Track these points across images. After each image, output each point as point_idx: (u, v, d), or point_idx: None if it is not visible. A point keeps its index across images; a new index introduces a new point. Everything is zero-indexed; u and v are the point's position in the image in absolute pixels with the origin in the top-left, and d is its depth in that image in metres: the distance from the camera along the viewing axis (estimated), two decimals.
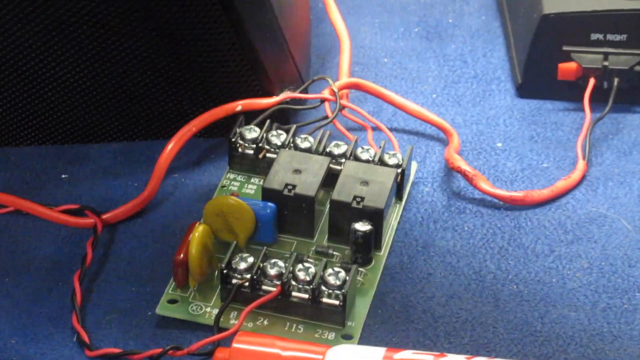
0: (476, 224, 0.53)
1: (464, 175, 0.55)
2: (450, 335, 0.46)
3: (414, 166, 0.55)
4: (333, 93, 0.56)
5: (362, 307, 0.47)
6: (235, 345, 0.44)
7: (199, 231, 0.47)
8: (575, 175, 0.55)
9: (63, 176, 0.56)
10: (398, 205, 0.53)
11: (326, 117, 0.56)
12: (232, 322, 0.46)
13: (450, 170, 0.56)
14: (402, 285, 0.49)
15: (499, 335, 0.46)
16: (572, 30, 0.59)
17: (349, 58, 0.62)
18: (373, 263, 0.49)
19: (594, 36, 0.59)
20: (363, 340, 0.46)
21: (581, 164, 0.56)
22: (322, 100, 0.56)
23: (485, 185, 0.54)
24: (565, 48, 0.60)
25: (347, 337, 0.46)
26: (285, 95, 0.56)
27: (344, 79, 0.60)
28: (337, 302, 0.45)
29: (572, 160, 0.57)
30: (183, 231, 0.48)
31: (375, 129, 0.57)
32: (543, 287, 0.49)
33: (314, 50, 0.65)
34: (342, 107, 0.57)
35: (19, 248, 0.52)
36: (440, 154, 0.57)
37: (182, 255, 0.47)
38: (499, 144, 0.59)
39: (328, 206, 0.50)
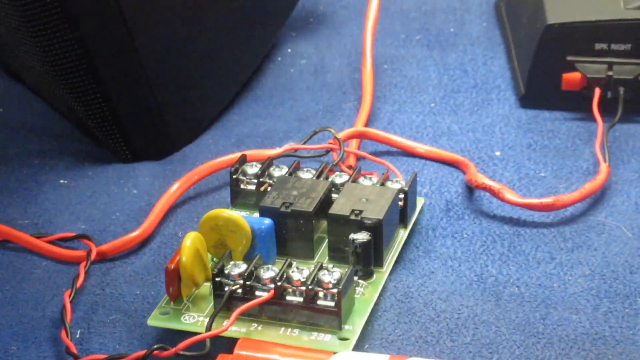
0: (475, 230, 0.53)
1: (490, 190, 0.54)
2: (453, 332, 0.46)
3: (420, 201, 0.54)
4: (338, 142, 0.55)
5: (361, 313, 0.46)
6: (237, 351, 0.43)
7: (190, 238, 0.46)
8: (601, 177, 0.55)
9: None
10: (403, 232, 0.52)
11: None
12: None
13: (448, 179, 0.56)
14: (405, 278, 0.50)
15: (502, 335, 0.46)
16: (576, 40, 0.60)
17: (368, 110, 0.62)
18: (375, 277, 0.48)
19: (598, 46, 0.60)
20: (362, 337, 0.46)
21: (604, 167, 0.55)
22: (327, 150, 0.55)
23: (512, 197, 0.53)
24: (569, 58, 0.60)
25: (344, 340, 0.44)
26: (289, 146, 0.55)
27: (350, 129, 0.59)
28: (332, 304, 0.44)
29: (569, 169, 0.58)
30: None
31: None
32: (544, 291, 0.49)
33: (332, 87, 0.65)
34: (346, 155, 0.56)
35: (21, 258, 0.52)
36: (449, 182, 0.57)
37: (173, 265, 0.45)
38: (498, 153, 0.59)
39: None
